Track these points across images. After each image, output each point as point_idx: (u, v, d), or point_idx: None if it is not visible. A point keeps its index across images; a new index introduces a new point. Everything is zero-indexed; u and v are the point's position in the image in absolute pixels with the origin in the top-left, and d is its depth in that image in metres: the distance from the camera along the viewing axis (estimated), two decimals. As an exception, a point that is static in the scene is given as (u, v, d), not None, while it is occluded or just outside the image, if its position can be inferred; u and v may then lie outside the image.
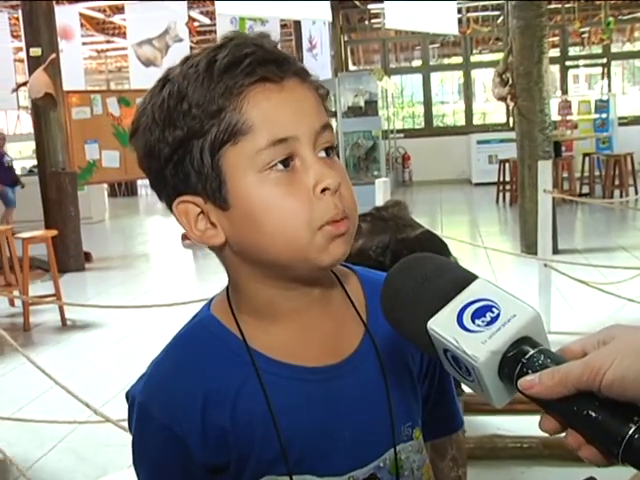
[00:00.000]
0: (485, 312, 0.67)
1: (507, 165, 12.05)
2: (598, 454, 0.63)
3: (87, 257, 8.83)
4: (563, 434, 0.66)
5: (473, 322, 0.67)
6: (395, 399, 0.92)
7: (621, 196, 11.30)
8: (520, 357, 0.65)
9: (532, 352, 0.65)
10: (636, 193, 11.53)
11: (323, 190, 0.81)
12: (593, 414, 0.62)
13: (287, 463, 0.86)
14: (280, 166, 0.81)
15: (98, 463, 3.65)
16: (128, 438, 3.36)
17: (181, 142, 0.81)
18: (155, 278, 8.38)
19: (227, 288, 0.93)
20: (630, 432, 0.60)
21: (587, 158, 12.47)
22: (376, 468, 0.91)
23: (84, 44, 16.07)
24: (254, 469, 0.87)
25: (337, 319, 0.92)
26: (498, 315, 0.67)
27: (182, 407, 0.87)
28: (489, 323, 0.67)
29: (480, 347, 0.66)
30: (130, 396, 0.91)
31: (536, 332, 0.67)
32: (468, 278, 0.71)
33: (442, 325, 0.68)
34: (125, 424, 3.18)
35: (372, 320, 0.93)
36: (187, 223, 0.85)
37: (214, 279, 7.57)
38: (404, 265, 0.75)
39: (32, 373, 3.24)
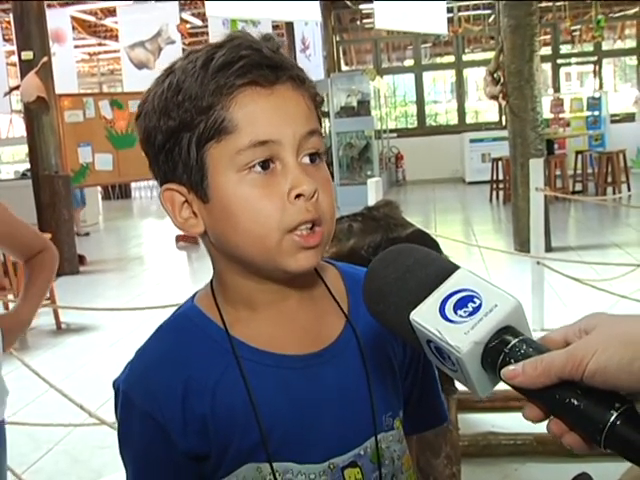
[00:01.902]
0: (467, 302, 0.68)
1: (500, 163, 12.07)
2: (581, 441, 0.64)
3: (81, 260, 8.83)
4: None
5: (455, 313, 0.68)
6: (376, 389, 0.94)
7: (614, 193, 11.32)
8: (502, 347, 0.66)
9: (514, 341, 0.66)
10: (629, 190, 11.56)
11: (297, 196, 0.83)
12: (575, 402, 0.62)
13: (267, 450, 0.88)
14: (259, 168, 0.84)
15: (93, 466, 3.65)
16: (123, 440, 3.29)
17: (172, 132, 0.85)
18: (150, 280, 8.38)
19: (212, 280, 0.96)
20: (612, 419, 0.61)
21: (580, 155, 12.50)
22: (356, 456, 0.92)
23: (76, 47, 16.04)
24: (235, 457, 0.89)
25: (317, 311, 0.93)
26: (480, 305, 0.68)
27: (163, 396, 0.89)
28: (471, 313, 0.67)
29: (463, 338, 0.66)
30: (115, 385, 0.94)
31: (518, 321, 0.68)
32: (450, 269, 0.71)
33: (424, 316, 0.69)
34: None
35: (353, 312, 0.95)
36: (171, 210, 0.89)
37: (208, 280, 7.56)
38: (386, 257, 0.76)
39: (27, 377, 3.24)
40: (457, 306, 0.68)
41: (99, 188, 15.30)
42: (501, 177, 12.14)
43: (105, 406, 4.27)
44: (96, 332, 6.11)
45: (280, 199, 0.83)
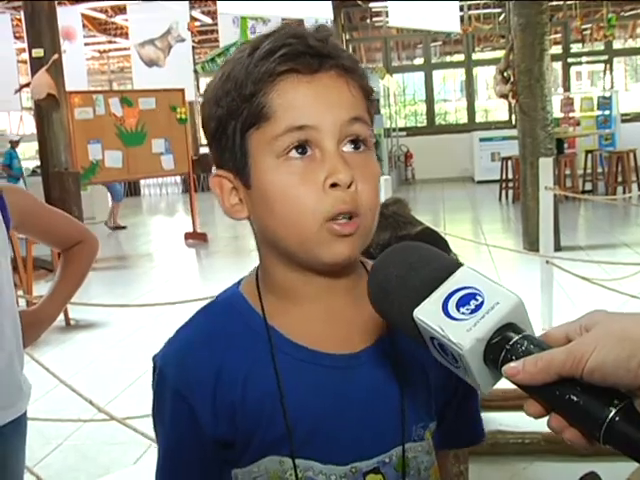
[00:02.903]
0: (469, 300, 0.69)
1: (509, 162, 12.05)
2: (580, 436, 0.65)
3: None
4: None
5: (458, 310, 0.68)
6: (408, 397, 0.92)
7: (624, 193, 11.28)
8: (504, 343, 0.67)
9: (516, 338, 0.67)
10: (639, 189, 11.51)
11: (333, 185, 0.82)
12: (575, 398, 0.63)
13: (291, 445, 0.87)
14: (296, 153, 0.84)
15: (102, 461, 3.66)
16: (132, 436, 3.38)
17: (221, 120, 0.87)
18: (158, 277, 8.40)
19: (257, 267, 0.95)
20: (610, 415, 0.61)
21: (590, 155, 12.46)
22: (380, 463, 0.91)
23: (86, 45, 16.08)
24: (258, 447, 0.89)
25: (361, 310, 0.90)
26: (482, 303, 0.68)
27: (195, 378, 0.89)
28: (473, 311, 0.68)
29: (465, 335, 0.67)
30: (154, 360, 0.94)
31: (520, 318, 0.68)
32: (453, 266, 0.72)
33: (428, 314, 0.69)
34: (129, 422, 3.18)
35: None
36: (220, 195, 0.90)
37: (217, 278, 7.59)
38: (389, 255, 0.76)
39: (36, 372, 3.25)
40: (460, 303, 0.69)
41: (109, 185, 15.33)
42: (511, 176, 12.12)
43: (114, 402, 4.30)
44: (105, 328, 6.14)
45: (316, 187, 0.83)
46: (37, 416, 3.96)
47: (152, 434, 3.22)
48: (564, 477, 3.01)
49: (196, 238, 10.32)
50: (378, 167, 0.90)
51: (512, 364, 0.65)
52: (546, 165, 4.92)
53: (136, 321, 6.05)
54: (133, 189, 18.15)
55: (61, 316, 6.29)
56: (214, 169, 0.92)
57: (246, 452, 0.90)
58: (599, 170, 12.43)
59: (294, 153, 0.83)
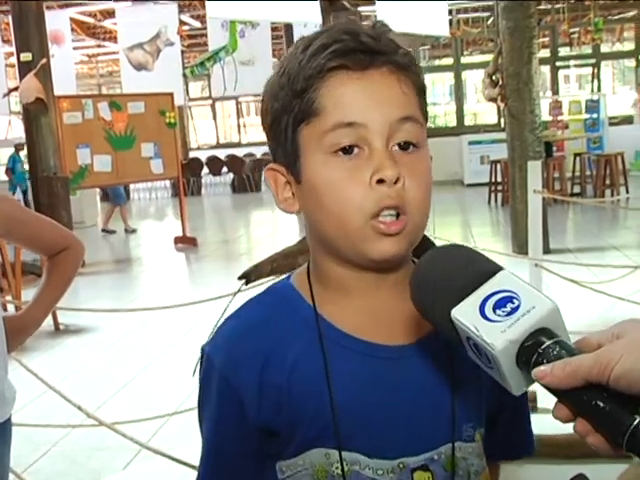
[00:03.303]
0: (506, 303, 0.70)
1: (499, 166, 12.08)
2: (604, 442, 0.66)
3: (80, 261, 8.82)
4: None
5: (494, 312, 0.70)
6: (459, 394, 0.91)
7: (612, 195, 11.35)
8: (536, 347, 0.68)
9: (548, 343, 0.68)
10: (627, 192, 11.58)
11: (380, 181, 0.82)
12: (601, 404, 0.64)
13: (337, 436, 0.86)
14: (344, 151, 0.84)
15: (91, 467, 3.65)
16: (121, 441, 3.36)
17: (276, 115, 0.88)
18: (148, 282, 8.38)
19: (309, 260, 0.96)
20: (635, 423, 0.62)
21: (578, 158, 12.52)
22: (429, 460, 0.89)
23: (75, 49, 16.06)
24: (304, 438, 0.88)
25: (410, 305, 0.85)
26: (518, 306, 0.69)
27: (243, 363, 0.89)
28: (509, 313, 0.69)
29: (499, 336, 0.68)
30: (202, 349, 0.95)
31: (554, 324, 0.69)
32: (493, 269, 0.73)
33: (465, 314, 0.71)
34: (118, 427, 3.16)
35: None
36: (274, 188, 0.92)
37: (207, 282, 7.58)
38: (434, 254, 0.77)
39: (25, 378, 3.23)
40: (496, 306, 0.70)
41: (98, 190, 15.30)
42: (500, 179, 12.15)
43: (104, 407, 4.28)
44: (94, 333, 6.11)
45: (363, 183, 0.83)
46: (26, 422, 3.94)
47: (141, 439, 3.22)
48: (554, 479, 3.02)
49: (186, 242, 10.30)
50: (429, 166, 0.89)
51: (541, 367, 0.67)
52: (534, 168, 4.94)
53: (126, 326, 6.03)
54: (122, 193, 18.10)
55: (50, 321, 6.27)
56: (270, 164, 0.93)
57: (291, 443, 0.89)
58: (587, 173, 12.50)
59: (342, 150, 0.84)
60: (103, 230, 12.16)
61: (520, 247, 7.14)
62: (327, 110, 0.84)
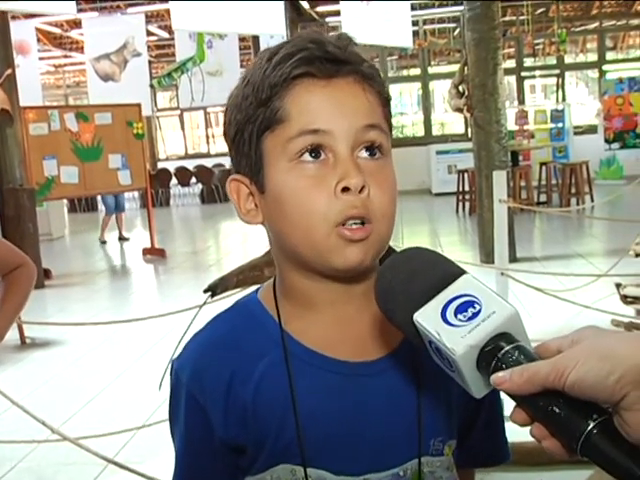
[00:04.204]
0: (467, 307, 0.71)
1: (466, 175, 12.18)
2: (560, 447, 0.67)
3: (46, 274, 8.72)
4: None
5: (455, 317, 0.70)
6: (426, 410, 0.91)
7: (577, 204, 11.49)
8: (496, 352, 0.69)
9: (507, 348, 0.69)
10: (592, 201, 11.73)
11: (345, 189, 0.82)
12: (557, 410, 0.65)
13: (302, 453, 0.86)
14: (309, 157, 0.83)
15: (58, 482, 3.61)
16: (89, 456, 3.33)
17: (240, 125, 0.87)
18: (116, 294, 8.31)
19: (275, 274, 0.95)
20: (589, 428, 0.63)
21: (544, 167, 12.66)
22: (395, 476, 0.89)
23: (41, 59, 15.90)
24: (270, 454, 0.88)
25: (378, 319, 0.88)
26: (479, 311, 0.70)
27: (209, 380, 0.89)
28: (470, 318, 0.70)
29: (459, 341, 0.69)
30: (171, 363, 0.95)
31: (515, 329, 0.70)
32: (455, 273, 0.74)
33: (427, 318, 0.71)
34: (83, 442, 3.13)
35: None
36: (236, 199, 0.91)
37: (176, 294, 7.53)
38: (395, 259, 0.77)
39: (-10, 393, 3.20)
40: (458, 310, 0.71)
41: (65, 201, 15.16)
42: (467, 188, 12.24)
43: (71, 421, 4.23)
44: (61, 347, 6.04)
45: (328, 191, 0.82)
46: (-9, 438, 3.89)
47: (107, 454, 3.20)
48: (521, 486, 3.04)
49: (154, 254, 10.24)
50: (394, 174, 0.89)
51: (500, 373, 0.67)
52: (500, 178, 4.99)
53: (93, 339, 5.98)
54: (90, 205, 17.96)
55: (16, 334, 6.19)
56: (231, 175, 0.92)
57: (258, 458, 0.89)
58: (553, 182, 12.64)
59: (307, 157, 0.83)
60: (103, 241, 12.08)
61: (487, 256, 7.20)
62: (292, 117, 0.83)
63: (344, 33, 0.90)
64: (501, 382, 0.67)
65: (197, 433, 0.91)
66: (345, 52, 0.86)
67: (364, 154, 0.84)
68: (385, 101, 0.90)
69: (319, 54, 0.84)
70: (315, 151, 0.83)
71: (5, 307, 1.94)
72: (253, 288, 1.01)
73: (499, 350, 0.69)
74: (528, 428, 0.69)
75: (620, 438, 0.63)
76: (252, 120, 0.85)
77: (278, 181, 0.85)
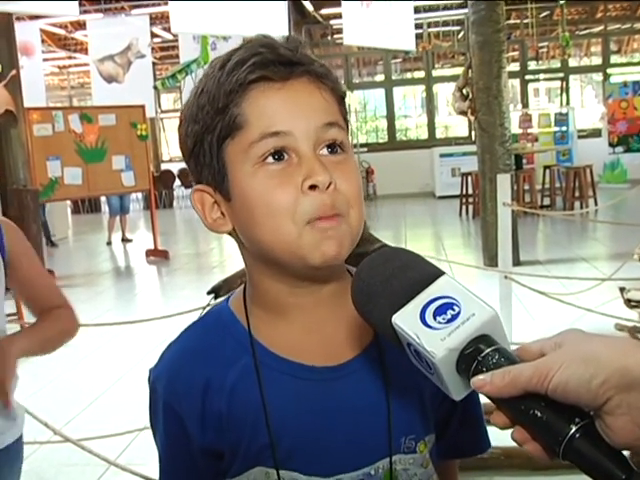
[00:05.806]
0: (446, 310, 0.70)
1: (469, 178, 12.18)
2: (542, 450, 0.66)
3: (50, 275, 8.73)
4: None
5: (434, 319, 0.70)
6: (397, 409, 0.92)
7: (581, 208, 11.47)
8: (476, 355, 0.68)
9: (487, 350, 0.68)
10: (596, 204, 11.71)
11: (312, 187, 0.82)
12: (539, 414, 0.65)
13: (274, 456, 0.89)
14: (272, 159, 0.84)
15: (60, 484, 3.60)
16: (90, 457, 3.31)
17: (198, 136, 0.87)
18: (119, 295, 8.31)
19: (246, 282, 0.96)
20: (570, 432, 0.63)
21: (548, 170, 12.64)
22: (366, 475, 0.90)
23: (45, 60, 15.93)
24: (245, 457, 0.90)
25: (347, 320, 0.90)
26: (459, 313, 0.69)
27: (184, 390, 0.91)
28: (449, 320, 0.69)
29: (439, 344, 0.68)
30: (149, 373, 0.97)
31: (494, 331, 0.70)
32: (434, 274, 0.73)
33: (405, 320, 0.70)
34: (85, 443, 3.12)
35: None
36: (201, 210, 0.90)
37: (179, 295, 7.53)
38: (373, 259, 0.77)
39: (-8, 394, 3.19)
40: (437, 312, 0.70)
41: (68, 202, 15.18)
42: (471, 192, 12.24)
43: (73, 422, 4.23)
44: (64, 348, 6.01)
45: (294, 190, 0.82)
46: (-7, 438, 3.89)
47: (110, 455, 3.18)
48: (523, 491, 3.03)
49: (157, 255, 10.24)
50: (357, 167, 0.89)
51: (480, 376, 0.67)
52: (504, 181, 4.98)
53: (95, 340, 5.97)
54: (93, 206, 17.99)
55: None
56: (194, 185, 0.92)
57: (234, 463, 0.91)
58: (557, 185, 12.62)
59: (271, 159, 0.84)
60: (108, 242, 12.06)
61: (491, 259, 7.19)
62: (251, 122, 0.84)
63: (293, 35, 0.91)
64: (481, 385, 0.66)
65: (176, 440, 0.93)
66: (297, 54, 0.87)
67: (326, 151, 0.86)
68: (340, 99, 0.91)
69: (272, 57, 0.84)
70: (278, 153, 0.84)
71: (34, 330, 1.79)
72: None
73: (479, 353, 0.68)
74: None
75: (602, 442, 0.63)
76: (210, 129, 0.86)
77: (244, 186, 0.85)
